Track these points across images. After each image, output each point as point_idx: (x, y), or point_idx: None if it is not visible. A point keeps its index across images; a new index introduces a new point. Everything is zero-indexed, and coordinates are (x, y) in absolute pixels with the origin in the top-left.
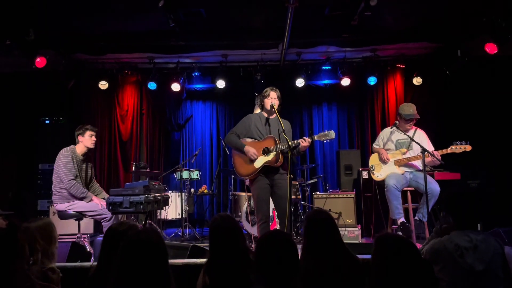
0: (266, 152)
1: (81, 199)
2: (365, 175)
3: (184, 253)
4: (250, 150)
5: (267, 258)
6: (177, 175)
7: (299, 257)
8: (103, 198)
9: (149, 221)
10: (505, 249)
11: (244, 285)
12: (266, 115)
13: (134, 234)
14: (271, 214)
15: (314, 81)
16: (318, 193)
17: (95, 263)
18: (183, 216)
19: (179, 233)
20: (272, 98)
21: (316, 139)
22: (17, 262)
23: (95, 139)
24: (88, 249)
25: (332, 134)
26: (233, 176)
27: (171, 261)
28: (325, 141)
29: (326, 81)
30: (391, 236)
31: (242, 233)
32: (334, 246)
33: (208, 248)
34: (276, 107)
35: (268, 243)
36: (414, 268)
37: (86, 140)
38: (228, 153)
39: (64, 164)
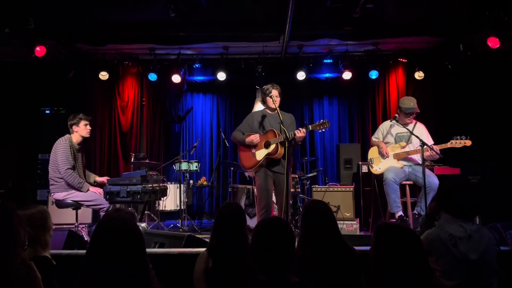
0: (267, 145)
1: (78, 189)
2: (364, 169)
3: (180, 242)
4: (251, 137)
5: (263, 245)
6: (176, 167)
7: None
8: (95, 182)
9: (147, 212)
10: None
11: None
12: (268, 111)
13: (107, 220)
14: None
15: (315, 74)
16: (317, 186)
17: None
18: (182, 207)
19: (177, 224)
20: (274, 96)
21: (310, 129)
22: (11, 247)
23: (90, 128)
24: (86, 239)
25: (326, 123)
26: (232, 168)
27: (166, 250)
28: (320, 131)
29: (327, 75)
30: (391, 225)
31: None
32: (331, 236)
33: (205, 239)
34: (277, 104)
35: (265, 230)
36: (415, 256)
37: (82, 130)
38: (227, 145)
39: (63, 153)
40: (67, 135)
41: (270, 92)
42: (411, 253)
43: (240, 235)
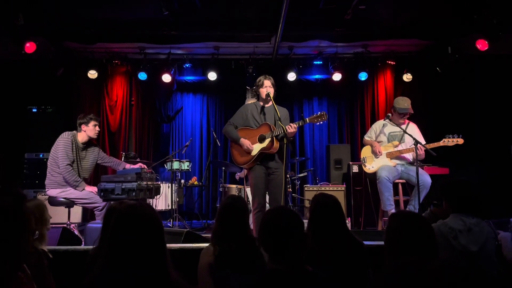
0: (261, 139)
1: (73, 187)
2: (355, 168)
3: (179, 238)
4: (246, 142)
5: (276, 233)
6: (167, 166)
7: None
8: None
9: None
10: (501, 234)
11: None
12: (262, 103)
13: (126, 207)
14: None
15: (305, 75)
16: (308, 185)
17: (95, 246)
18: (173, 207)
19: (168, 224)
20: (267, 87)
21: (308, 122)
22: (24, 234)
23: (99, 129)
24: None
25: (324, 115)
26: (223, 168)
27: (167, 245)
28: (318, 123)
29: (317, 76)
30: (406, 212)
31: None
32: (339, 229)
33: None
34: (272, 95)
35: (275, 218)
36: (428, 240)
37: (90, 130)
38: (219, 145)
39: (63, 147)
40: (73, 131)
41: (263, 84)
42: (424, 237)
43: (242, 225)
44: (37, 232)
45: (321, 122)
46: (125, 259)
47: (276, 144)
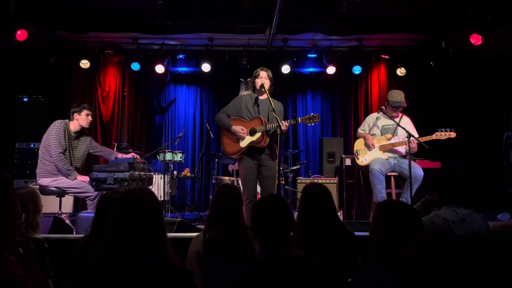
0: (252, 132)
1: (65, 175)
2: (348, 162)
3: (171, 227)
4: (238, 129)
5: (264, 220)
6: (160, 157)
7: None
8: (116, 158)
9: None
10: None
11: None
12: (256, 95)
13: (127, 192)
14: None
15: (299, 68)
16: (301, 178)
17: (86, 234)
18: (166, 198)
19: None
20: (263, 78)
21: (300, 121)
22: (7, 217)
23: (91, 119)
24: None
25: (316, 117)
26: (216, 160)
27: None
28: (309, 124)
29: (311, 69)
30: (392, 201)
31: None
32: (329, 219)
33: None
34: (266, 87)
35: (263, 207)
36: (414, 227)
37: (82, 119)
38: (212, 137)
39: (56, 135)
40: (66, 120)
41: (259, 75)
42: (410, 224)
43: (235, 213)
44: (23, 214)
45: (313, 124)
46: (126, 244)
47: (267, 139)
